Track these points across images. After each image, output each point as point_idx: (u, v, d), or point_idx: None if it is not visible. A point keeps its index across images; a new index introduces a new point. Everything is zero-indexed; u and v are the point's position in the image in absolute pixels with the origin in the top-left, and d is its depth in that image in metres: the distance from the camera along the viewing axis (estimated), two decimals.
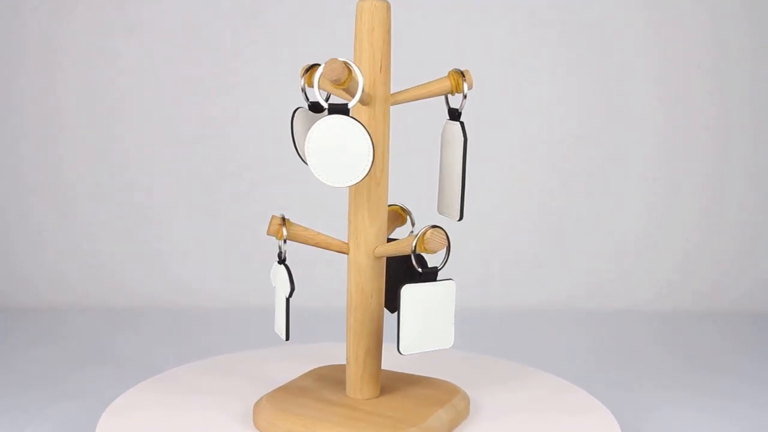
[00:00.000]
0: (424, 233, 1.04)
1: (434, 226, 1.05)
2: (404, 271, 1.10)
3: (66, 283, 2.08)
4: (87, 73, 2.12)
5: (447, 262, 1.06)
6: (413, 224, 1.18)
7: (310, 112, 1.11)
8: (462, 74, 1.08)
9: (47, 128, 2.12)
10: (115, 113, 2.13)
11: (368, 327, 1.12)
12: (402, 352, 1.04)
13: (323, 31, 2.08)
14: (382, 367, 1.22)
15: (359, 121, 1.00)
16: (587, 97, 2.18)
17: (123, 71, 2.12)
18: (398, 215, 1.19)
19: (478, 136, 2.12)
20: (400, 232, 1.19)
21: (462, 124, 1.10)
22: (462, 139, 1.09)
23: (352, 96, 1.02)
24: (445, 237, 1.05)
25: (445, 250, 1.05)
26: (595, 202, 2.20)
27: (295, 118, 1.14)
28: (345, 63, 0.98)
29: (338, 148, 1.00)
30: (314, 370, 1.23)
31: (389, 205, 1.17)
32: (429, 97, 1.10)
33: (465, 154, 1.10)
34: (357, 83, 1.00)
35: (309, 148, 1.00)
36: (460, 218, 1.12)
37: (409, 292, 1.03)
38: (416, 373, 1.26)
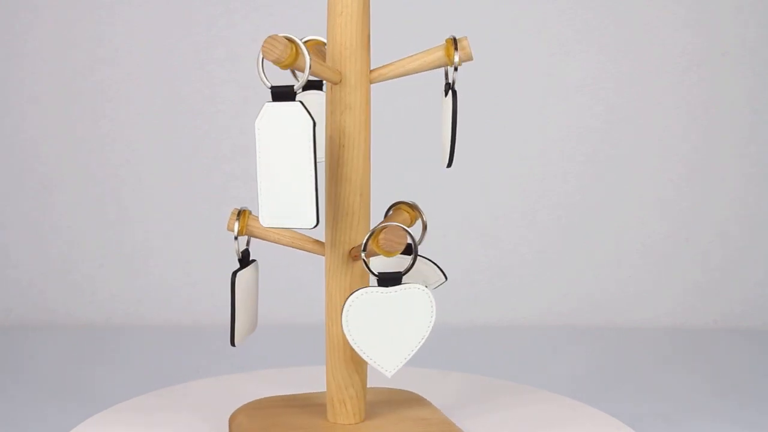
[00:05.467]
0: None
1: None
2: None
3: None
4: (58, 71, 1.98)
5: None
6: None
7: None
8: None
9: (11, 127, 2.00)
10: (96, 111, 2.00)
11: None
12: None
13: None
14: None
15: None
16: (605, 98, 2.05)
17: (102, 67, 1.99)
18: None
19: (483, 131, 2.00)
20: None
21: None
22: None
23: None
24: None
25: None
26: (608, 209, 2.05)
27: None
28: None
29: None
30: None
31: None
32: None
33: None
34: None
35: None
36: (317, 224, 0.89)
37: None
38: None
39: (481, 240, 2.01)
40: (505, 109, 2.06)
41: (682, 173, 2.08)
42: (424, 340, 0.89)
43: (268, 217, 0.86)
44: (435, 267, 1.00)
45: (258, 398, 1.05)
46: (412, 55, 0.94)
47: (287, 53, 0.84)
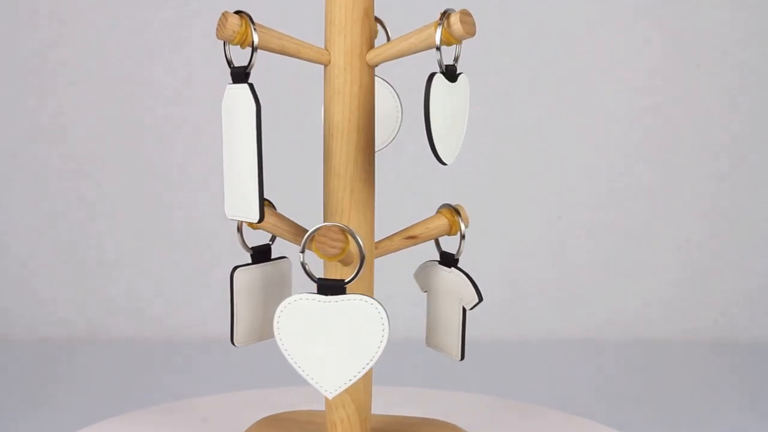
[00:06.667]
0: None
1: None
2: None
3: None
4: (8, 53, 1.82)
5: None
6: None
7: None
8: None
9: None
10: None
11: None
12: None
13: None
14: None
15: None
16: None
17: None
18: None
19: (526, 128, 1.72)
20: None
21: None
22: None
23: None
24: None
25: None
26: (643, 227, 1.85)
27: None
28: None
29: None
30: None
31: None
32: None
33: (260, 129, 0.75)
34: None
35: None
36: (261, 219, 0.78)
37: None
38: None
39: (505, 250, 1.80)
40: (533, 105, 1.82)
41: (724, 175, 1.84)
42: (373, 361, 0.77)
43: (229, 208, 0.80)
44: (470, 285, 0.87)
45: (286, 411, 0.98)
46: (407, 34, 0.81)
47: (235, 30, 0.77)
